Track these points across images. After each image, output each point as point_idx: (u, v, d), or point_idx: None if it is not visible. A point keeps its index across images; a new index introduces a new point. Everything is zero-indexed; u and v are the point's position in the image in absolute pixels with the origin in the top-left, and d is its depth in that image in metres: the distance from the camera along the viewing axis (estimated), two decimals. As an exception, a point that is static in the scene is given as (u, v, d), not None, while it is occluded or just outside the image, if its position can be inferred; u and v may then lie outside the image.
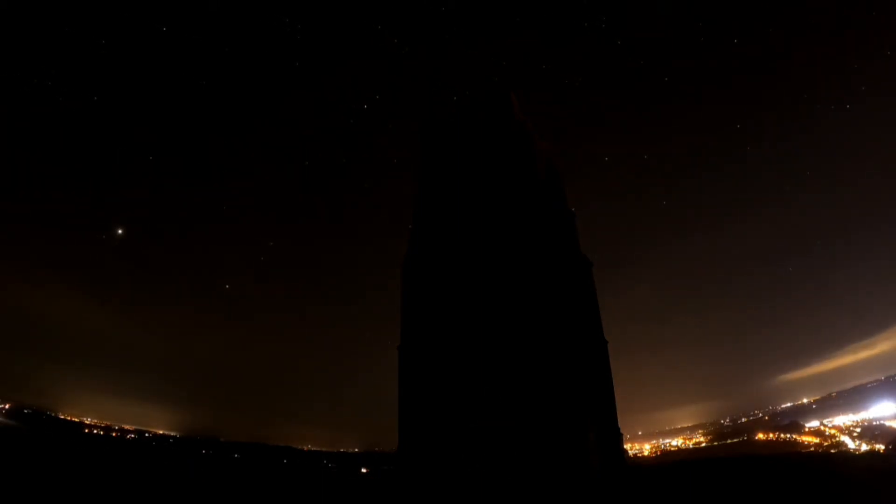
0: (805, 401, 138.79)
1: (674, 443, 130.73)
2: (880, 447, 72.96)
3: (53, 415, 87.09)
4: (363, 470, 58.23)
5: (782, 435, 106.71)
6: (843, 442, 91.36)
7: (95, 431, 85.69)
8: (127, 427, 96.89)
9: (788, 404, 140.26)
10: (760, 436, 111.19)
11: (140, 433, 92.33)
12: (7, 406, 78.54)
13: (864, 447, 79.01)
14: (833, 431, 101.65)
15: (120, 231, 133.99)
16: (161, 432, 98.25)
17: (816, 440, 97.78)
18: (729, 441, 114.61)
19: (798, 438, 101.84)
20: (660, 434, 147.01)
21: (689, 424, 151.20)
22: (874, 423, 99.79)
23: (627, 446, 78.84)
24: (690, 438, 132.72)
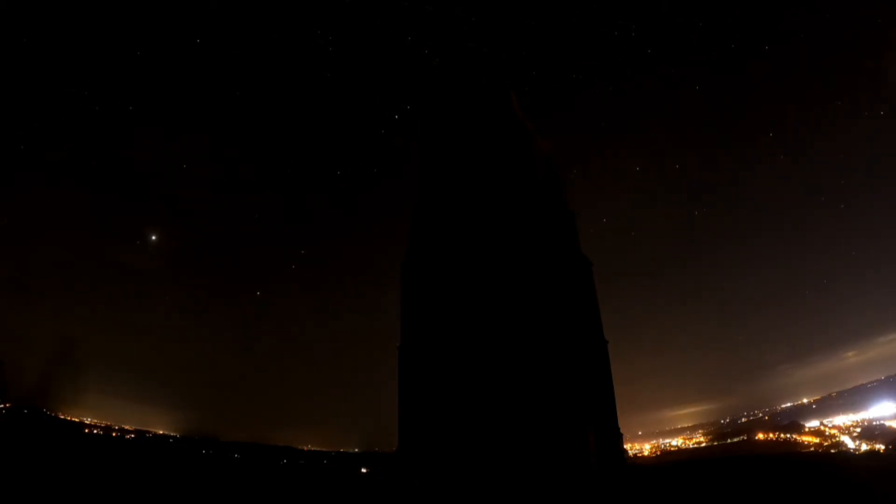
0: (805, 401, 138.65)
1: (674, 443, 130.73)
2: (880, 447, 73.13)
3: (53, 415, 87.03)
4: (363, 470, 58.22)
5: (782, 435, 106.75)
6: (843, 442, 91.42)
7: (95, 431, 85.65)
8: (127, 427, 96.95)
9: (788, 404, 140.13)
10: (760, 436, 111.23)
11: (140, 433, 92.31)
12: (7, 406, 78.50)
13: (864, 447, 79.09)
14: (833, 431, 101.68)
15: (154, 237, 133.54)
16: (161, 432, 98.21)
17: (816, 440, 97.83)
18: (729, 441, 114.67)
19: (798, 438, 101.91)
20: (660, 434, 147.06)
21: (689, 424, 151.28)
22: (874, 423, 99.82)
23: (627, 446, 78.75)
24: (690, 438, 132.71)
